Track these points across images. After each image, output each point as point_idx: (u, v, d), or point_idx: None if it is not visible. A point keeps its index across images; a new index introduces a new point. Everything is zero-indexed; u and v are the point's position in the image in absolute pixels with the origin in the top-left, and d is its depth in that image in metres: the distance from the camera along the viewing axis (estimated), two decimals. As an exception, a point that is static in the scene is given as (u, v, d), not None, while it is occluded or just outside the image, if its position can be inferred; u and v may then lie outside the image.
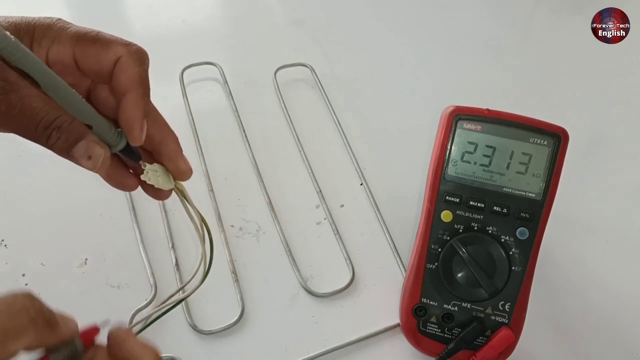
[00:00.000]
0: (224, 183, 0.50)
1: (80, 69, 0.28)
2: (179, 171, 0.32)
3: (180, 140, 0.32)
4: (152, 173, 0.30)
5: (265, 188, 0.49)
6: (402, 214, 0.48)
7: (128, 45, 0.28)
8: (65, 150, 0.26)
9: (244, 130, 0.53)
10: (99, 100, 0.30)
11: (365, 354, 0.41)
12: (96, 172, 0.27)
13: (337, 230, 0.47)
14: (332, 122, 0.55)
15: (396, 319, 0.42)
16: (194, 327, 0.41)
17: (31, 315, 0.22)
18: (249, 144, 0.52)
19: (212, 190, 0.49)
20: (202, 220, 0.33)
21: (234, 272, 0.44)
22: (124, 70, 0.28)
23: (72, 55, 0.28)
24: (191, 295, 0.34)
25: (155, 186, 0.31)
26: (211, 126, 0.54)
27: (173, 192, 0.32)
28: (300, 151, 0.52)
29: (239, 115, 0.54)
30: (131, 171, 0.32)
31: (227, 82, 0.57)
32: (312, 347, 0.41)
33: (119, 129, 0.28)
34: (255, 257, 0.45)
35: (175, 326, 0.41)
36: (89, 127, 0.27)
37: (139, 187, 0.32)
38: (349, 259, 0.45)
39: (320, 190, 0.50)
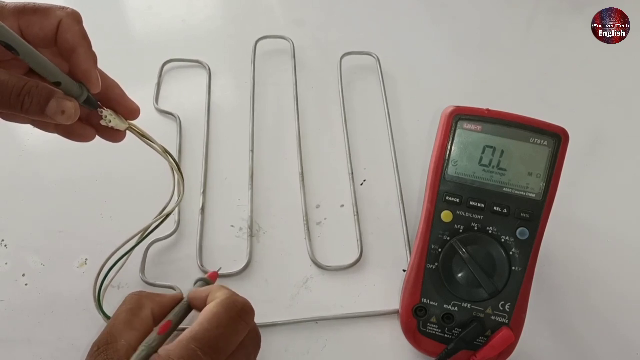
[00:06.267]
0: (223, 182, 0.50)
1: (25, 38, 0.31)
2: (129, 110, 0.36)
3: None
4: (110, 116, 0.35)
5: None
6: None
7: (63, 8, 0.32)
8: (39, 111, 0.29)
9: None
10: None
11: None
12: (69, 123, 0.31)
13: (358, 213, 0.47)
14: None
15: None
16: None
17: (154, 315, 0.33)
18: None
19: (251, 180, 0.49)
20: (163, 148, 0.38)
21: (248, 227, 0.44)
22: (67, 30, 0.31)
23: (17, 27, 0.31)
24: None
25: (114, 127, 0.35)
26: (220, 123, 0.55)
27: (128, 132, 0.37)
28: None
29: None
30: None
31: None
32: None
33: (78, 82, 0.32)
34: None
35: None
36: (58, 83, 0.31)
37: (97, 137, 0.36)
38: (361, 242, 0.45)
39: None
